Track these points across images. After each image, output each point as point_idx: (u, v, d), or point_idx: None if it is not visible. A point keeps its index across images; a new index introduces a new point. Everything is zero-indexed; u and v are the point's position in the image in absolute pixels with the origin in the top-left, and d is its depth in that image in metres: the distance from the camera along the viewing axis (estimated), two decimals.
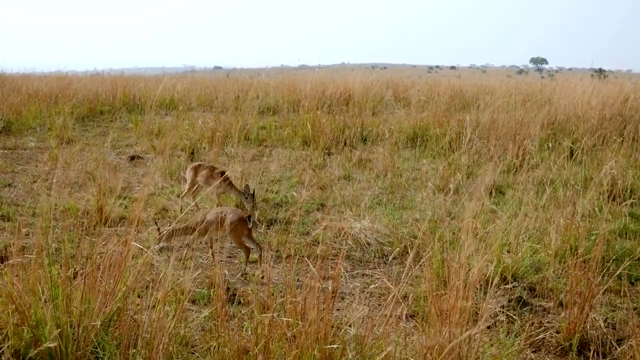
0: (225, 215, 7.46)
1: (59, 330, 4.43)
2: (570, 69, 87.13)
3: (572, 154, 12.44)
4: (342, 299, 6.68)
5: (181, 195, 10.01)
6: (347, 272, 7.46)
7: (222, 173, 9.75)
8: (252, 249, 7.63)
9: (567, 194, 9.14)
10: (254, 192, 9.65)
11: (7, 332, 4.60)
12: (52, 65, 30.73)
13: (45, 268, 4.92)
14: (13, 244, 5.39)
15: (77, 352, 4.47)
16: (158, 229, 7.35)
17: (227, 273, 6.01)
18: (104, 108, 20.03)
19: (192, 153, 13.69)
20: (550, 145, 13.27)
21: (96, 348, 4.60)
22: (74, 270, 5.18)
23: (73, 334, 4.52)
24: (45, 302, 4.69)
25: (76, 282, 4.89)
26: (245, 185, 9.77)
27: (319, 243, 8.02)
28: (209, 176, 9.70)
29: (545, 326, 6.08)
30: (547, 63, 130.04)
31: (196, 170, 10.00)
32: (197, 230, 7.16)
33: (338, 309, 6.27)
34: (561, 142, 13.15)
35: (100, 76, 27.52)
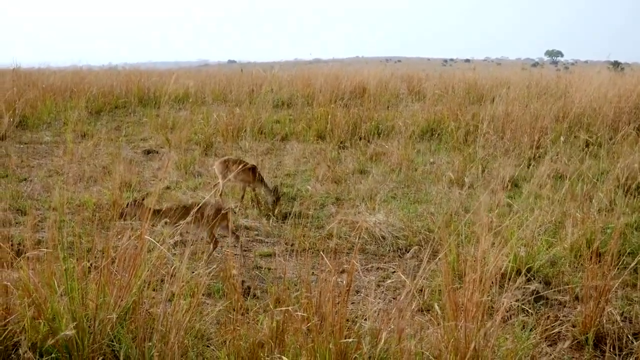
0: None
1: (75, 323, 4.45)
2: (586, 62, 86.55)
3: (587, 147, 12.38)
4: (357, 292, 6.68)
5: (219, 193, 9.87)
6: (362, 265, 7.45)
7: (253, 167, 9.74)
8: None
9: (583, 187, 9.10)
10: (279, 194, 9.61)
11: (24, 325, 4.63)
12: (67, 60, 30.83)
13: (61, 262, 4.94)
14: (29, 238, 5.42)
15: (93, 344, 4.49)
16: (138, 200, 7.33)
17: (236, 273, 5.99)
18: (119, 102, 20.04)
19: (207, 147, 13.70)
20: (566, 138, 13.20)
21: (112, 341, 4.62)
22: (89, 264, 5.20)
23: (89, 327, 4.54)
24: (61, 295, 4.71)
25: (91, 276, 4.91)
26: (275, 185, 9.75)
27: (333, 237, 8.00)
28: (240, 171, 9.51)
29: (561, 320, 6.06)
30: (562, 56, 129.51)
31: (226, 164, 9.90)
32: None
33: (353, 303, 6.27)
34: (577, 135, 13.09)
35: (115, 71, 27.57)
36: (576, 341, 5.73)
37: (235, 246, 7.70)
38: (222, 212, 7.56)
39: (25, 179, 10.91)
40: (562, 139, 12.34)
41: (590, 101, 16.23)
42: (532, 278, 6.85)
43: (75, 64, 28.56)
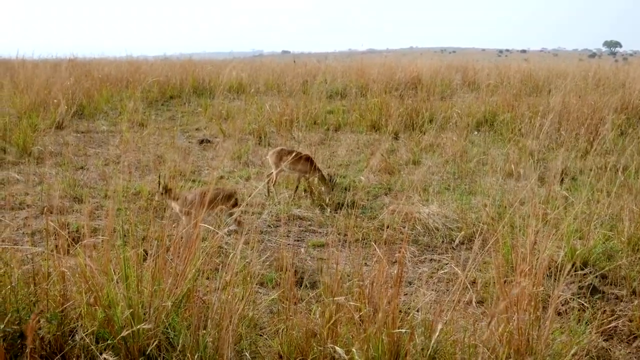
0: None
1: (130, 310, 4.51)
2: None
3: None
4: (410, 283, 6.65)
5: (272, 183, 9.84)
6: (415, 257, 7.42)
7: (308, 158, 9.70)
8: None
9: None
10: (335, 181, 9.67)
11: (81, 311, 4.69)
12: (123, 50, 31.32)
13: (117, 249, 5.00)
14: (85, 225, 5.49)
15: (148, 331, 4.53)
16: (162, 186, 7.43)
17: (291, 257, 6.00)
18: (174, 92, 20.24)
19: (261, 137, 13.75)
20: (624, 130, 12.96)
21: (167, 328, 4.67)
22: (144, 251, 5.25)
23: (144, 314, 4.58)
24: (117, 282, 4.76)
25: (146, 264, 4.96)
26: (329, 174, 9.79)
27: (387, 227, 7.96)
28: (295, 161, 9.48)
29: (617, 314, 5.96)
30: (621, 46, 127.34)
31: (280, 155, 9.78)
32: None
33: (406, 294, 6.24)
34: (635, 127, 12.85)
35: (169, 61, 27.81)
36: (633, 336, 5.63)
37: (236, 232, 7.65)
38: (233, 198, 7.62)
39: (82, 168, 11.09)
40: (620, 130, 12.13)
41: None
42: (589, 272, 6.74)
43: (130, 54, 28.93)
